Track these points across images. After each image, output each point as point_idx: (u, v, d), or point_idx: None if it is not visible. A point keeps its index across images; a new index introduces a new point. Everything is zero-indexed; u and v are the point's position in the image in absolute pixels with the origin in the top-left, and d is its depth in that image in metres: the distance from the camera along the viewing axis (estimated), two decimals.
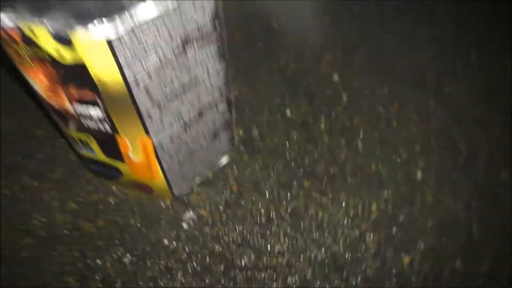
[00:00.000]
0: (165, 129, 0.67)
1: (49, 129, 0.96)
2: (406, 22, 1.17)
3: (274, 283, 0.76)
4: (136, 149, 0.70)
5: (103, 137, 0.69)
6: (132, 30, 0.49)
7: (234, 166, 0.90)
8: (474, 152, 0.90)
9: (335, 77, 1.03)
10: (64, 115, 0.68)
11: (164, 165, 0.75)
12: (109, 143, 0.70)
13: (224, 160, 0.89)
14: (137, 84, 0.57)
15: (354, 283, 0.75)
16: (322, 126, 0.95)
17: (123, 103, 0.58)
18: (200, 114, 0.73)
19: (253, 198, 0.85)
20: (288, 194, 0.86)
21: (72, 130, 0.72)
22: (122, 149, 0.71)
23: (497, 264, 0.75)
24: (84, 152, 0.79)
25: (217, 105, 0.75)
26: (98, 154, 0.76)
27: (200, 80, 0.66)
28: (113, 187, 0.87)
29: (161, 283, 0.77)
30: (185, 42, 0.57)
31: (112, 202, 0.85)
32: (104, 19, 0.46)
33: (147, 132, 0.66)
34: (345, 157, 0.90)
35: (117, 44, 0.49)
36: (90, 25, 0.46)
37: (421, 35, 1.12)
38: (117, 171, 0.79)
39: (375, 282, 0.75)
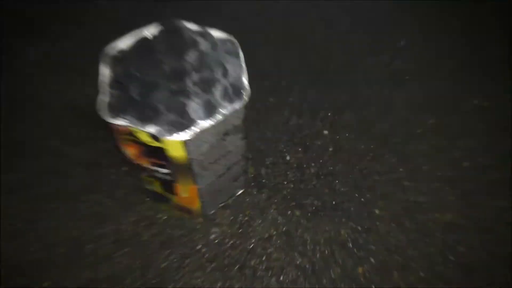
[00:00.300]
0: (206, 180, 1.05)
1: (113, 159, 1.33)
2: (385, 92, 1.52)
3: (271, 279, 1.13)
4: (185, 190, 1.07)
5: (165, 182, 1.06)
6: (197, 134, 0.86)
7: (247, 198, 1.27)
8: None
9: (325, 132, 1.40)
10: (142, 168, 1.05)
11: (201, 199, 1.12)
12: (168, 185, 1.08)
13: (240, 191, 1.26)
14: (195, 160, 0.94)
15: (324, 282, 1.12)
16: (312, 170, 1.32)
17: (184, 169, 0.95)
18: (229, 169, 1.10)
19: (259, 220, 1.22)
20: (284, 219, 1.23)
21: (144, 175, 1.09)
22: (176, 190, 1.08)
23: None
24: (148, 186, 1.16)
25: (239, 162, 1.13)
26: (158, 188, 1.13)
27: (231, 151, 1.03)
28: (163, 207, 1.24)
29: (195, 275, 1.14)
30: (225, 134, 0.94)
31: (163, 217, 1.23)
32: (181, 132, 0.83)
33: (195, 182, 1.03)
34: (326, 196, 1.27)
35: (187, 142, 0.87)
36: (174, 134, 0.83)
37: (397, 101, 1.48)
38: (168, 199, 1.17)
39: (338, 283, 1.12)
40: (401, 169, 1.32)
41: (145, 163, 0.99)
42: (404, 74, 1.58)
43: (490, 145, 1.38)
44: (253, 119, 1.41)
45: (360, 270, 1.14)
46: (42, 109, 1.44)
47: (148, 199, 1.24)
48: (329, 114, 1.45)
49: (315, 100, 1.49)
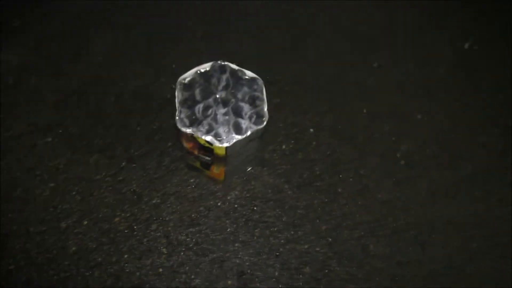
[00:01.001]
0: (233, 164, 1.62)
1: (174, 145, 1.88)
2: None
3: (266, 231, 1.75)
4: (218, 169, 1.65)
5: (205, 163, 1.63)
6: (234, 142, 1.43)
7: (254, 171, 1.86)
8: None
9: (311, 130, 1.97)
10: (192, 154, 1.61)
11: (226, 175, 1.71)
12: (206, 165, 1.65)
13: (249, 168, 1.85)
14: (230, 156, 1.51)
15: (300, 233, 1.75)
16: (300, 156, 1.91)
17: (222, 159, 1.53)
18: (247, 155, 1.67)
19: (261, 188, 1.82)
20: (276, 189, 1.83)
21: (192, 157, 1.66)
22: (211, 168, 1.66)
23: None
24: (191, 162, 1.73)
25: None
26: (197, 165, 1.71)
27: (252, 148, 1.60)
28: (196, 174, 1.81)
29: (216, 225, 1.75)
30: (250, 140, 1.51)
31: (196, 181, 1.81)
32: (228, 142, 1.39)
33: (225, 166, 1.60)
34: (307, 172, 1.87)
35: (228, 148, 1.43)
36: (224, 143, 1.39)
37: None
38: (203, 171, 1.75)
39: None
40: (356, 161, 1.93)
41: (196, 152, 1.56)
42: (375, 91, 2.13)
43: (425, 149, 1.98)
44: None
45: (323, 227, 1.77)
46: (111, 95, 1.96)
47: (187, 169, 1.82)
48: (315, 116, 2.01)
49: (307, 104, 2.04)
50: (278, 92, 2.08)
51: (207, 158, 1.54)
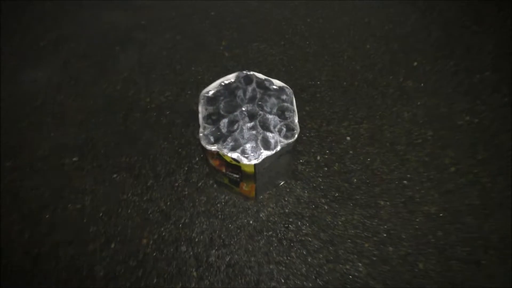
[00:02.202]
0: (262, 181, 1.51)
1: (201, 163, 1.80)
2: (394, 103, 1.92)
3: (302, 250, 1.62)
4: (247, 186, 1.54)
5: (233, 180, 1.53)
6: (263, 159, 1.32)
7: (287, 187, 1.74)
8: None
9: (348, 138, 1.83)
10: (220, 171, 1.52)
11: (257, 192, 1.60)
12: (235, 182, 1.55)
13: (282, 183, 1.73)
14: (259, 172, 1.41)
15: (341, 252, 1.61)
16: (335, 168, 1.77)
17: (250, 176, 1.42)
18: (277, 172, 1.56)
19: (294, 203, 1.70)
20: (313, 204, 1.70)
21: (219, 174, 1.56)
22: (240, 185, 1.56)
23: None
24: (219, 179, 1.64)
25: (286, 168, 1.59)
26: (225, 181, 1.61)
27: (282, 164, 1.48)
28: (226, 191, 1.72)
29: (247, 241, 1.64)
30: (280, 156, 1.39)
31: (226, 198, 1.71)
32: (256, 159, 1.28)
33: (255, 183, 1.50)
34: (344, 188, 1.73)
35: (256, 165, 1.33)
36: (251, 160, 1.28)
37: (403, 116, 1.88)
38: (232, 189, 1.65)
39: (350, 255, 1.61)
40: (402, 171, 1.76)
41: (224, 170, 1.46)
42: (413, 92, 1.96)
43: (474, 154, 1.79)
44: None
45: (366, 244, 1.62)
46: (137, 111, 1.90)
47: (216, 186, 1.72)
48: (351, 124, 1.87)
49: (342, 111, 1.90)
50: (310, 99, 1.97)
51: (235, 175, 1.44)
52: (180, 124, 1.87)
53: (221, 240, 1.63)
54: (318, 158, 1.80)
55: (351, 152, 1.80)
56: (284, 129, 1.34)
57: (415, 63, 2.02)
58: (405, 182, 1.73)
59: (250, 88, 1.37)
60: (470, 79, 1.98)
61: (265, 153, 1.30)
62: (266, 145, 1.31)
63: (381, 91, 1.95)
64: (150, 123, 1.89)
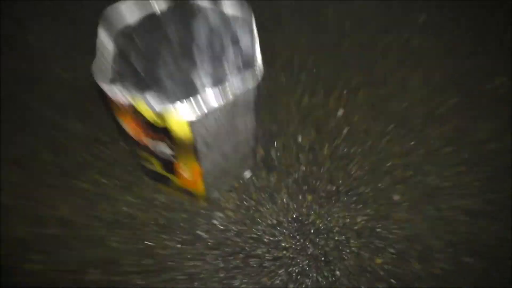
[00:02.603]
0: (211, 162, 0.94)
1: (112, 135, 1.23)
2: (404, 72, 1.41)
3: (279, 270, 1.03)
4: (187, 170, 0.97)
5: (165, 161, 0.96)
6: (205, 114, 0.76)
7: (255, 179, 1.17)
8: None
9: (340, 112, 1.29)
10: (141, 145, 0.95)
11: (205, 181, 1.02)
12: (169, 166, 0.97)
13: (248, 174, 1.16)
14: (201, 141, 0.84)
15: (338, 274, 1.02)
16: (325, 152, 1.22)
17: (188, 149, 0.85)
18: (236, 150, 1.00)
19: (268, 205, 1.12)
20: (296, 204, 1.13)
21: (143, 152, 0.99)
22: (177, 169, 0.98)
23: None
24: (146, 164, 1.06)
25: (248, 141, 1.02)
26: (157, 167, 1.03)
27: (240, 129, 0.92)
28: (163, 189, 1.14)
29: (196, 264, 1.04)
30: (234, 115, 0.84)
31: (163, 200, 1.13)
32: (186, 104, 0.73)
33: (198, 162, 0.93)
34: (341, 179, 1.17)
35: (194, 123, 0.77)
36: (178, 107, 0.73)
37: (414, 81, 1.37)
38: (169, 180, 1.07)
39: (354, 275, 1.02)
40: (420, 152, 1.22)
41: (146, 141, 0.89)
42: (423, 52, 1.46)
43: None
44: (263, 99, 1.31)
45: (378, 261, 1.04)
46: (40, 83, 1.33)
47: (148, 178, 1.14)
48: (344, 93, 1.34)
49: (328, 79, 1.38)
50: (284, 67, 1.43)
51: (166, 152, 0.88)
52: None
53: (150, 267, 1.03)
54: (300, 140, 1.24)
55: (345, 130, 1.26)
56: (241, 67, 0.80)
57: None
58: (426, 168, 1.19)
59: (184, 15, 0.83)
60: (495, 35, 1.50)
61: (207, 100, 0.74)
62: (209, 88, 0.76)
63: (380, 52, 1.45)
64: (58, 98, 1.31)
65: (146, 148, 0.94)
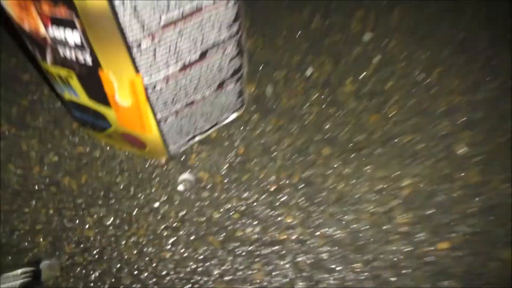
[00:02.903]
0: (159, 67, 0.55)
1: (37, 74, 0.85)
2: None
3: (282, 261, 0.63)
4: (123, 90, 0.57)
5: (84, 72, 0.57)
6: None
7: (242, 126, 0.77)
8: None
9: (366, 36, 0.90)
10: (38, 42, 0.56)
11: (157, 113, 0.62)
12: (92, 80, 0.58)
13: (231, 117, 0.76)
14: (129, 14, 0.46)
15: (378, 268, 0.62)
16: (348, 88, 0.82)
17: (106, 25, 0.46)
18: (203, 54, 0.60)
19: (262, 162, 0.73)
20: (303, 161, 0.73)
21: (49, 64, 0.60)
22: (107, 89, 0.58)
23: None
24: (66, 94, 0.67)
25: (224, 47, 0.63)
26: (81, 95, 0.64)
27: (204, 8, 0.53)
28: (102, 141, 0.75)
29: (147, 251, 0.65)
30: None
31: (98, 157, 0.73)
32: None
33: (136, 68, 0.53)
34: (373, 124, 0.77)
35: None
36: None
37: None
38: (104, 119, 0.67)
39: (403, 269, 0.62)
40: (493, 85, 0.82)
41: (38, 22, 0.51)
42: None
43: None
44: (254, 17, 0.91)
45: (442, 246, 0.64)
46: None
47: (79, 125, 0.75)
48: (370, 13, 0.94)
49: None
50: None
51: (73, 37, 0.50)
52: None
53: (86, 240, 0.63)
54: (309, 72, 0.85)
55: (376, 59, 0.86)
56: None
57: None
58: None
59: None
60: None
61: None
62: None
63: None
64: None
65: (49, 47, 0.55)
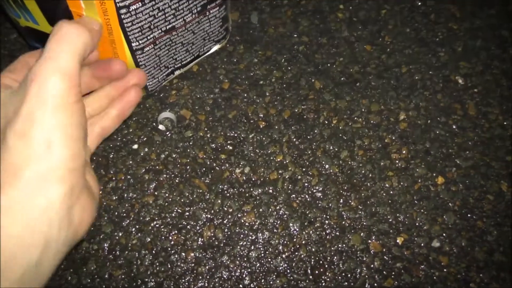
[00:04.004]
0: None
1: None
2: None
3: (274, 201, 0.59)
4: (91, 10, 0.48)
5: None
6: None
7: (226, 59, 0.69)
8: None
9: None
10: None
11: (132, 40, 0.54)
12: (53, 2, 0.48)
13: (214, 48, 0.68)
14: None
15: (375, 205, 0.59)
16: (341, 15, 0.74)
17: None
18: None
19: (250, 97, 0.66)
20: (294, 95, 0.67)
21: None
22: (73, 10, 0.49)
23: None
24: (23, 20, 0.57)
25: None
26: (41, 22, 0.54)
27: None
28: None
29: (128, 196, 0.60)
30: None
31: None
32: None
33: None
34: (368, 55, 0.71)
35: None
36: None
37: None
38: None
39: (400, 204, 0.60)
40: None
41: None
42: None
43: None
44: None
45: (440, 180, 0.61)
46: None
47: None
48: None
49: None
50: None
51: None
52: None
53: None
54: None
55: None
56: None
57: None
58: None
59: None
60: None
61: None
62: None
63: None
64: None
65: None
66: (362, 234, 0.58)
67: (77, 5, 0.48)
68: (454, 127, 0.65)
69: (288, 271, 0.56)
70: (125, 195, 0.60)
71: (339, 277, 0.56)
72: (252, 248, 0.57)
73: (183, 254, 0.57)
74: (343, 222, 0.58)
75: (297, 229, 0.58)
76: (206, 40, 0.66)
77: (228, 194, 0.60)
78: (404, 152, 0.63)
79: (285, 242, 0.58)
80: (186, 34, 0.61)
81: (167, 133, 0.63)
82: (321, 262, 0.56)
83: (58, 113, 0.31)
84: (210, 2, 0.61)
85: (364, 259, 0.57)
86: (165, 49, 0.60)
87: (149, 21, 0.53)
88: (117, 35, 0.51)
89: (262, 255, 0.57)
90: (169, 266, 0.56)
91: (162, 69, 0.62)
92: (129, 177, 0.61)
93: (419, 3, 0.76)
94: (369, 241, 0.57)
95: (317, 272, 0.56)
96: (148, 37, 0.55)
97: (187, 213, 0.59)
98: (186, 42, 0.62)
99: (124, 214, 0.59)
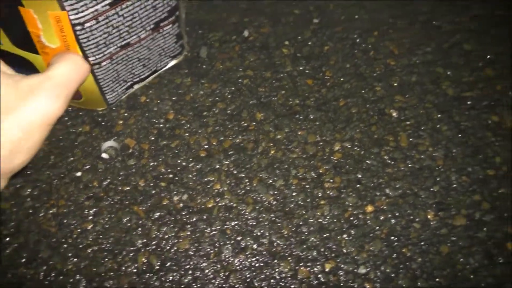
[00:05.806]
0: (87, 2, 0.49)
1: None
2: None
3: (209, 228, 0.62)
4: (48, 29, 0.51)
5: (4, 10, 0.50)
6: None
7: (173, 90, 0.73)
8: (459, 94, 0.76)
9: None
10: None
11: (89, 55, 0.57)
12: (14, 21, 0.52)
13: (170, 63, 0.72)
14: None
15: (306, 232, 0.62)
16: (286, 50, 0.79)
17: None
18: (145, 9, 0.55)
19: (193, 128, 0.70)
20: (236, 126, 0.70)
21: None
22: (31, 31, 0.53)
23: (473, 220, 0.63)
24: None
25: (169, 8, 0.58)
26: (5, 42, 0.57)
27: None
28: None
29: (68, 222, 0.61)
30: None
31: None
32: None
33: (60, 3, 0.47)
34: (309, 88, 0.75)
35: None
36: None
37: None
38: (33, 68, 0.61)
39: (330, 231, 0.62)
40: None
41: None
42: None
43: None
44: None
45: (369, 209, 0.64)
46: None
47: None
48: None
49: None
50: None
51: None
52: None
53: None
54: (247, 34, 0.81)
55: (316, 20, 0.83)
56: None
57: None
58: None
59: None
60: None
61: None
62: None
63: None
64: None
65: None
66: (291, 260, 0.60)
67: (34, 26, 0.51)
68: (385, 157, 0.69)
69: None
70: (65, 221, 0.62)
71: None
72: (184, 274, 0.59)
73: (117, 280, 0.58)
74: (273, 249, 0.61)
75: (230, 256, 0.60)
76: (162, 56, 0.69)
77: (165, 221, 0.62)
78: (337, 181, 0.66)
79: (217, 268, 0.60)
80: (142, 50, 0.64)
81: (111, 161, 0.66)
82: None
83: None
84: (163, 20, 0.65)
85: (292, 286, 0.59)
86: (122, 63, 0.63)
87: (104, 37, 0.56)
88: (74, 51, 0.54)
89: (195, 281, 0.59)
90: None
91: (121, 83, 0.66)
92: (70, 203, 0.63)
93: (360, 40, 0.81)
94: (297, 267, 0.60)
95: None
96: (105, 53, 0.58)
97: (124, 239, 0.61)
98: (142, 58, 0.66)
99: (63, 240, 0.61)
